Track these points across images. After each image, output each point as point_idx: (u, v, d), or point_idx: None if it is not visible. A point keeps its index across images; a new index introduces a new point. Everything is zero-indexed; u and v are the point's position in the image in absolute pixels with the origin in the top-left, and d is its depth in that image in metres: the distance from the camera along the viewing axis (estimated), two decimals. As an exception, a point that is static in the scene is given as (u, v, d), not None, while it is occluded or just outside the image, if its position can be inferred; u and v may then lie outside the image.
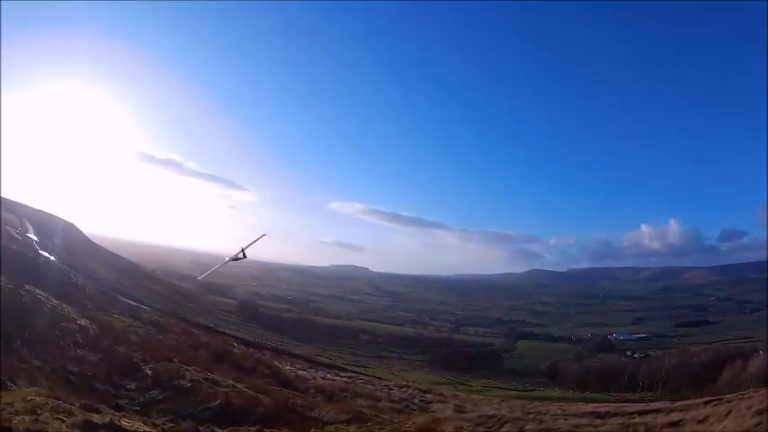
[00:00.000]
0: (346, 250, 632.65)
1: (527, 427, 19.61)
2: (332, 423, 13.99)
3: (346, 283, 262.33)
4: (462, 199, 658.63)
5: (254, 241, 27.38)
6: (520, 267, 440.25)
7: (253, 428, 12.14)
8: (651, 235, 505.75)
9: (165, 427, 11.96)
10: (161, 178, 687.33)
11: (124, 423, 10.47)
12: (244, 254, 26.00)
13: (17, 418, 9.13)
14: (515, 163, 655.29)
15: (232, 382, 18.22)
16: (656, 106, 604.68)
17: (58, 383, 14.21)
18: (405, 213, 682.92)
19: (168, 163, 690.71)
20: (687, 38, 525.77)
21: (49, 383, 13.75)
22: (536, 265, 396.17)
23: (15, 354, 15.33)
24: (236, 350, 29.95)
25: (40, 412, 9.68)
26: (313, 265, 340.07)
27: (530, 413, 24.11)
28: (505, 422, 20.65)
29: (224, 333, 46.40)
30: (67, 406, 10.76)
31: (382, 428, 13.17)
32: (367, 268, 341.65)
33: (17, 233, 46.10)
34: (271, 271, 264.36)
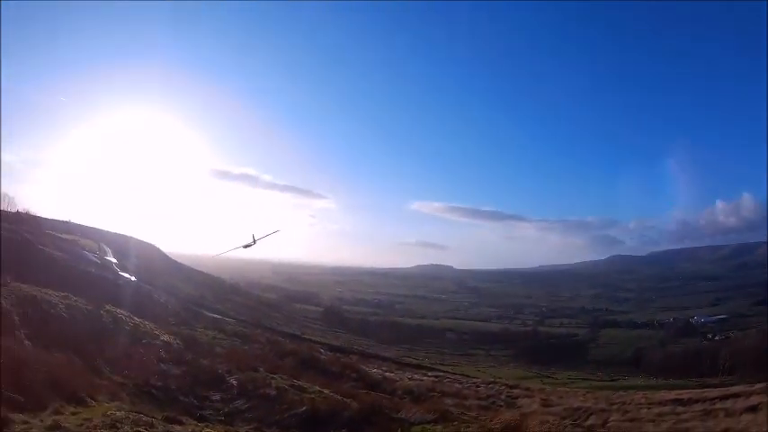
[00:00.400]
0: (429, 250, 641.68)
1: (612, 418, 20.45)
2: (418, 423, 14.28)
3: (431, 282, 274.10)
4: (541, 189, 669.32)
5: (267, 235, 30.17)
6: (600, 254, 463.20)
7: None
8: (726, 211, 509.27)
9: (249, 435, 12.42)
10: (237, 193, 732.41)
11: (207, 433, 10.94)
12: (254, 241, 29.17)
13: (96, 432, 9.90)
14: (591, 150, 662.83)
15: (318, 388, 18.86)
16: (725, 80, 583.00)
17: (140, 398, 15.29)
18: (485, 208, 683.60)
19: (244, 177, 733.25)
20: None
21: (131, 398, 14.77)
22: (616, 251, 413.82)
23: (96, 371, 16.84)
24: (322, 356, 30.97)
25: (119, 426, 10.33)
26: (397, 266, 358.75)
27: (614, 403, 25.05)
28: (591, 414, 21.72)
29: (310, 340, 48.27)
30: (149, 419, 11.45)
31: (468, 427, 13.20)
32: (451, 266, 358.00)
33: (96, 257, 50.76)
34: (355, 275, 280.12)
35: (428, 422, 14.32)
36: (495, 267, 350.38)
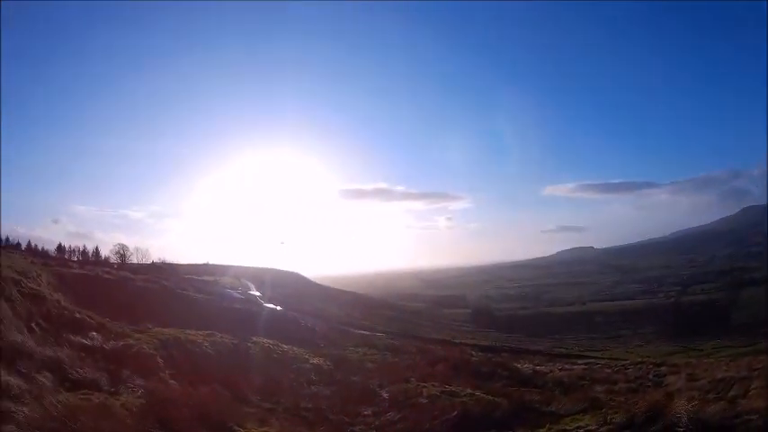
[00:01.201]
0: (569, 233, 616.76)
1: (753, 386, 20.41)
2: (568, 415, 14.38)
3: (574, 266, 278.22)
4: (665, 148, 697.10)
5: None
6: (731, 209, 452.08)
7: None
8: None
9: (398, 444, 12.92)
10: (373, 209, 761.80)
11: (355, 448, 11.54)
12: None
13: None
14: (702, 95, 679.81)
15: (470, 391, 19.35)
16: None
17: (290, 421, 16.44)
18: (614, 180, 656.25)
19: (377, 193, 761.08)
20: None
21: (281, 423, 15.93)
22: (746, 203, 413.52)
23: (244, 401, 18.42)
24: (473, 358, 31.50)
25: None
26: (539, 255, 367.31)
27: (755, 369, 25.28)
28: (733, 384, 22.07)
29: (461, 344, 48.83)
30: (299, 440, 12.42)
31: (616, 413, 12.81)
32: (592, 247, 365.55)
33: (239, 293, 55.30)
34: (499, 271, 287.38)
35: (577, 412, 14.43)
36: (632, 241, 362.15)
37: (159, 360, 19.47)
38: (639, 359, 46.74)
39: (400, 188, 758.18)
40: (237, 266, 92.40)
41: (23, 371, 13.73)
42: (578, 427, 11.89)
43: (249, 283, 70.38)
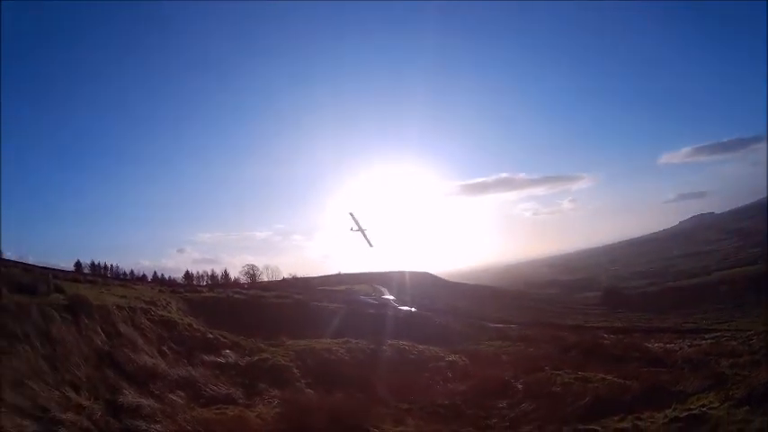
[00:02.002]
0: (690, 201, 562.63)
1: None
2: (694, 393, 13.71)
3: (697, 235, 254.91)
4: None
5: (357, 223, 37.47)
6: None
7: (616, 418, 11.95)
8: None
9: (530, 435, 12.50)
10: (495, 200, 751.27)
11: (488, 441, 11.29)
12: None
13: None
14: None
15: (602, 375, 18.57)
16: None
17: (426, 419, 16.43)
18: (724, 139, 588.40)
19: (499, 183, 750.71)
20: None
21: (416, 421, 15.96)
22: None
23: (381, 403, 18.63)
24: (605, 341, 30.16)
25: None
26: (663, 227, 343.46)
27: None
28: None
29: (593, 327, 46.67)
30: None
31: (738, 389, 11.63)
32: (712, 212, 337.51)
33: (373, 299, 56.24)
34: (626, 248, 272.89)
35: (703, 390, 13.91)
36: (751, 200, 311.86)
37: (295, 371, 20.26)
38: (764, 328, 42.60)
39: (521, 175, 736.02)
40: (370, 273, 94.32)
41: (156, 392, 14.80)
42: (702, 406, 11.12)
43: (382, 288, 71.40)
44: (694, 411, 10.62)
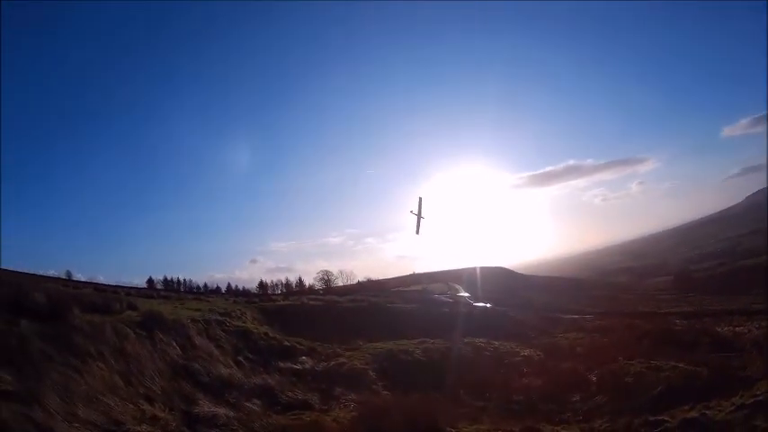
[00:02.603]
0: (755, 174, 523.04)
1: None
2: (760, 379, 12.93)
3: (763, 210, 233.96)
4: None
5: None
6: None
7: (686, 407, 11.69)
8: None
9: (603, 428, 12.42)
10: (564, 189, 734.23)
11: (560, 435, 11.36)
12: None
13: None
14: None
15: (673, 363, 18.07)
16: None
17: (501, 416, 16.51)
18: None
19: (567, 171, 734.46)
20: None
21: (491, 418, 16.07)
22: None
23: (457, 401, 18.80)
24: (677, 327, 29.26)
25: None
26: (730, 204, 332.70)
27: None
28: None
29: (665, 313, 44.83)
30: (507, 433, 12.53)
31: None
32: None
33: (447, 297, 56.27)
34: (694, 229, 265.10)
35: None
36: None
37: (371, 374, 20.74)
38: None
39: (589, 161, 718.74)
40: (444, 271, 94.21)
41: (232, 400, 15.47)
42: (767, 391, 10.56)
43: (457, 286, 71.25)
44: (759, 398, 10.31)
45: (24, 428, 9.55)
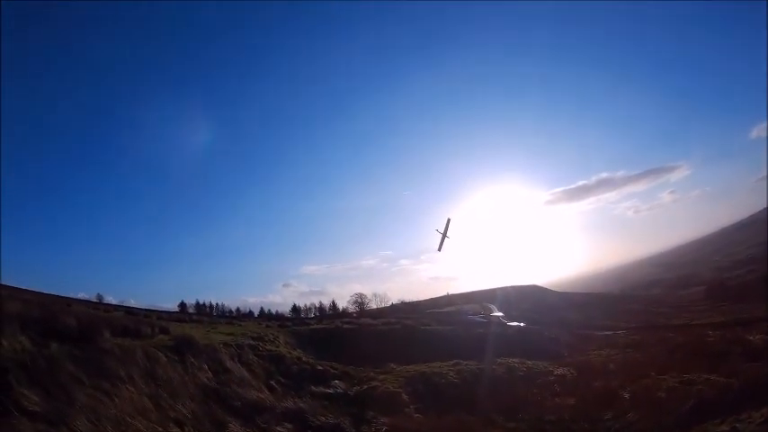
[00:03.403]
0: None
1: None
2: None
3: None
4: None
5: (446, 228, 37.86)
6: None
7: (717, 420, 11.38)
8: None
9: (631, 446, 12.16)
10: (597, 203, 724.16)
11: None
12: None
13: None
14: None
15: (706, 376, 17.82)
16: None
17: (532, 436, 16.39)
18: None
19: (600, 184, 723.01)
20: None
21: (523, 439, 15.96)
22: None
23: (490, 423, 18.57)
24: (709, 338, 28.14)
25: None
26: (760, 209, 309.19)
27: None
28: None
29: (698, 325, 43.44)
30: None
31: None
32: None
33: (482, 317, 55.76)
34: (726, 236, 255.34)
35: None
36: None
37: (404, 396, 20.64)
38: None
39: (621, 173, 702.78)
40: (478, 291, 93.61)
41: (263, 424, 15.45)
42: None
43: (491, 306, 70.58)
44: (789, 409, 10.07)
45: None
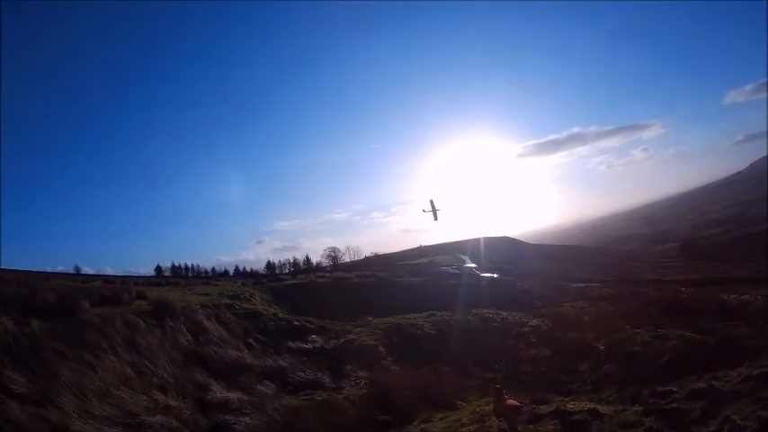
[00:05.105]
0: (759, 140, 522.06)
1: None
2: (766, 349, 12.70)
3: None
4: None
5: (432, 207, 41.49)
6: None
7: (693, 377, 11.59)
8: None
9: (611, 398, 12.35)
10: (569, 157, 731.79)
11: (569, 406, 11.26)
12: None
13: (463, 429, 11.23)
14: None
15: (680, 332, 18.06)
16: None
17: (510, 387, 16.57)
18: None
19: (571, 139, 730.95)
20: None
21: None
22: None
23: (466, 374, 18.84)
24: (683, 295, 28.73)
25: (486, 419, 11.56)
26: (734, 171, 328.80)
27: None
28: None
29: (672, 281, 44.45)
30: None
31: None
32: None
33: (454, 269, 56.06)
34: (701, 195, 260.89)
35: None
36: None
37: (381, 349, 20.87)
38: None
39: (593, 128, 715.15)
40: (450, 243, 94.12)
41: (244, 384, 15.54)
42: None
43: (463, 257, 71.17)
44: (765, 369, 10.18)
45: (40, 430, 9.69)
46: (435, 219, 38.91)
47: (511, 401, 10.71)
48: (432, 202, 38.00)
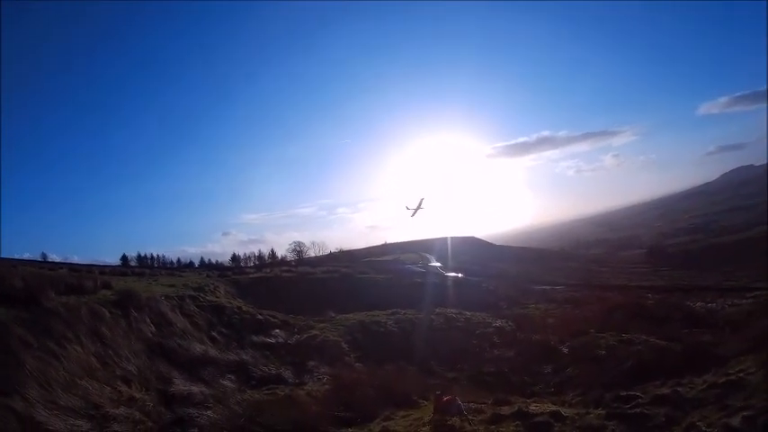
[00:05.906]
0: (730, 152, 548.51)
1: None
2: (732, 356, 12.90)
3: (738, 189, 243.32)
4: None
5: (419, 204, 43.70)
6: None
7: (657, 382, 11.74)
8: None
9: (574, 401, 12.48)
10: (538, 160, 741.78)
11: (532, 408, 11.34)
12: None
13: (424, 429, 11.21)
14: None
15: (645, 337, 18.42)
16: None
17: (472, 387, 16.64)
18: (762, 88, 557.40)
19: (541, 142, 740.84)
20: None
21: (462, 389, 16.11)
22: None
23: (429, 372, 18.87)
24: (649, 301, 29.62)
25: (449, 418, 11.55)
26: (705, 181, 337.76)
27: None
28: None
29: (637, 287, 45.44)
30: (478, 405, 12.45)
31: None
32: (752, 164, 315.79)
33: (420, 267, 56.28)
34: (671, 203, 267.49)
35: (741, 353, 12.98)
36: None
37: (344, 345, 20.74)
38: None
39: (563, 133, 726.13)
40: (416, 241, 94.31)
41: (206, 378, 15.35)
42: (740, 371, 10.68)
43: (429, 256, 71.41)
44: (732, 377, 10.37)
45: (5, 419, 9.44)
46: (412, 216, 38.86)
47: (447, 398, 11.14)
48: (421, 200, 37.95)
